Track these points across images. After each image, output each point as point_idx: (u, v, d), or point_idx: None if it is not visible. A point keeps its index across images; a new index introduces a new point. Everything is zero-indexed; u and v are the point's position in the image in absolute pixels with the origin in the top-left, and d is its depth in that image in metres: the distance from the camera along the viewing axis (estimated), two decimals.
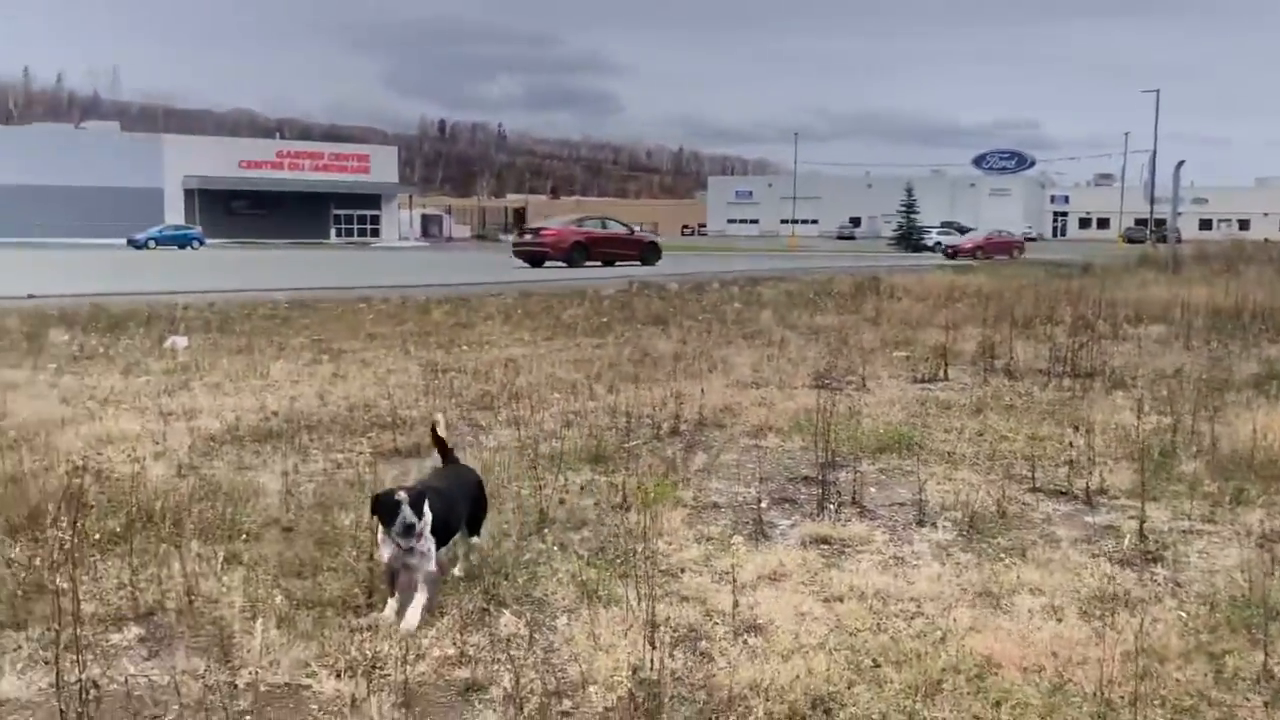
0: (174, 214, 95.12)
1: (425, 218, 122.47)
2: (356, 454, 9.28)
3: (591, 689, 4.78)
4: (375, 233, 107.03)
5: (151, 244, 77.25)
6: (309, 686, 4.91)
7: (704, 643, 5.41)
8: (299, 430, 9.95)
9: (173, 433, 9.78)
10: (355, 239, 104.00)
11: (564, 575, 6.32)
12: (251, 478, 8.32)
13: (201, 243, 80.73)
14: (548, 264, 41.49)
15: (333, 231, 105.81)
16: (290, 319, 20.30)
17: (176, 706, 4.65)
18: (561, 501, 7.77)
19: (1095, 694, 4.63)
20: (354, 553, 6.51)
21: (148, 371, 13.49)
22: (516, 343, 16.91)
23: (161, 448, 9.24)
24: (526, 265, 42.08)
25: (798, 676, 4.86)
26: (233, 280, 32.23)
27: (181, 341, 15.90)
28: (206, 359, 14.46)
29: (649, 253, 44.30)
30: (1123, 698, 4.61)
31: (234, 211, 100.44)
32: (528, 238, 44.70)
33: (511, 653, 5.23)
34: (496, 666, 5.11)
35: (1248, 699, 4.77)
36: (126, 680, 4.83)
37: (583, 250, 41.92)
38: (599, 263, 41.85)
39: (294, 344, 16.30)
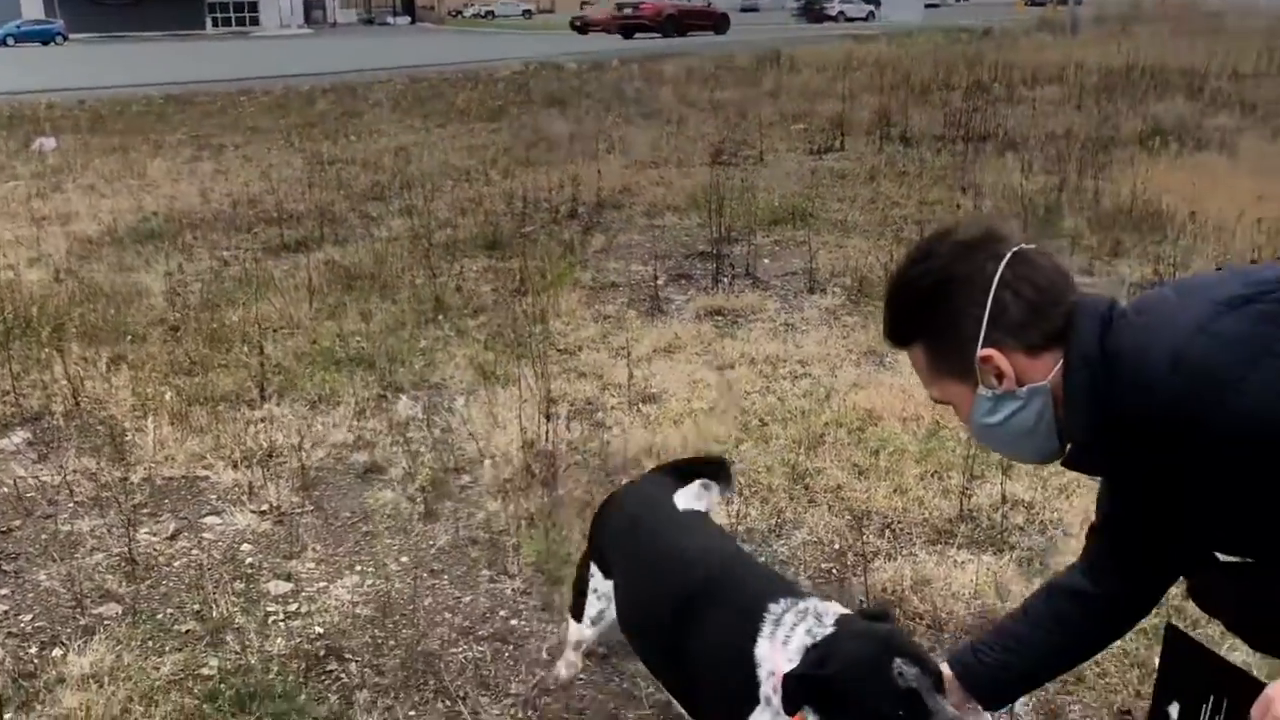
0: (32, 8, 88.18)
1: (308, 2, 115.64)
2: (244, 251, 9.04)
3: (488, 463, 4.89)
4: (254, 20, 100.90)
5: (10, 41, 71.91)
6: (206, 478, 4.93)
7: (600, 414, 5.53)
8: (181, 230, 9.62)
9: (47, 237, 9.39)
10: (233, 28, 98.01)
11: (461, 360, 6.34)
12: (134, 279, 8.08)
13: (65, 38, 75.34)
14: (638, 35, 45.74)
15: (208, 21, 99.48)
16: (166, 115, 19.30)
17: (71, 505, 4.65)
18: (458, 289, 7.73)
19: (967, 438, 4.87)
20: (244, 348, 6.43)
21: (15, 176, 12.80)
22: (407, 130, 16.35)
23: (36, 253, 8.87)
24: (619, 35, 46.53)
25: (688, 438, 5.02)
26: (103, 76, 30.31)
27: (50, 143, 15.05)
28: (78, 160, 13.75)
29: (721, 24, 48.80)
30: None
31: (100, 2, 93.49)
32: (627, 11, 48.61)
33: (409, 435, 5.30)
34: (394, 449, 5.18)
35: None
36: (15, 483, 4.79)
37: (674, 22, 46.59)
38: (682, 34, 45.74)
39: (171, 141, 15.56)
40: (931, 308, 1.90)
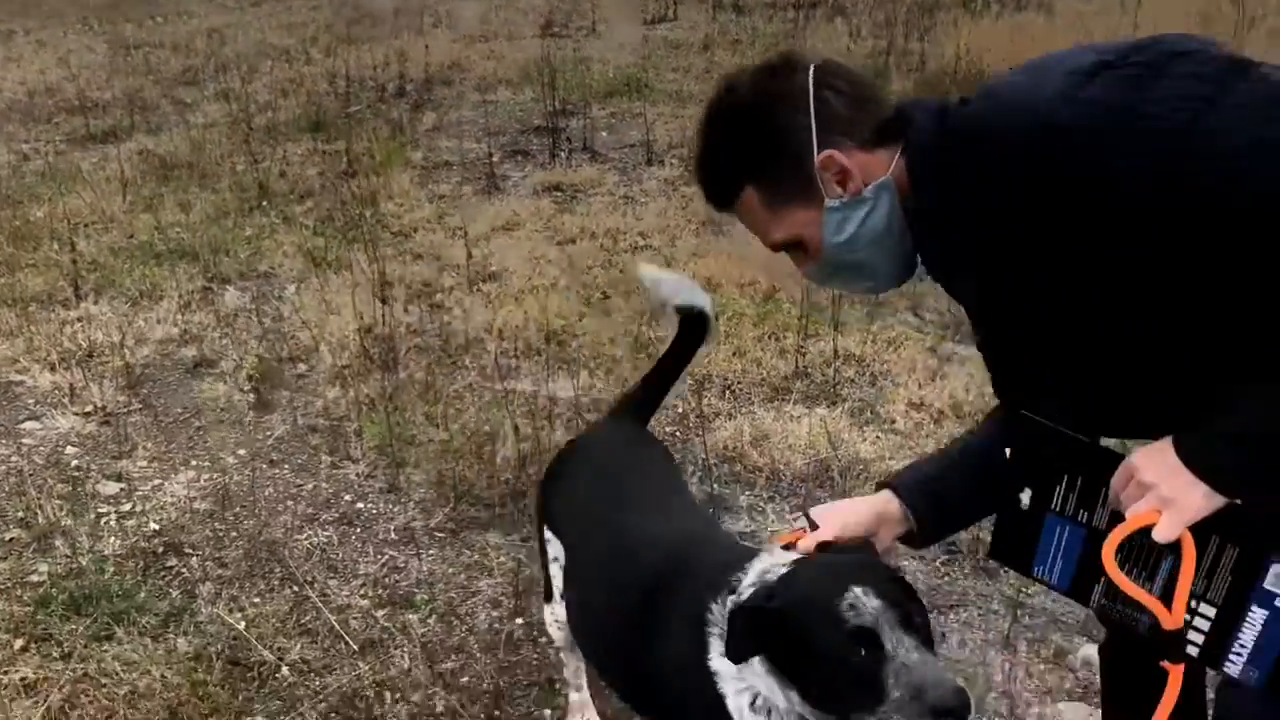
0: None
1: None
2: (45, 143, 8.41)
3: (324, 350, 4.76)
4: None
5: None
6: (21, 382, 4.66)
7: (438, 296, 5.44)
8: None
9: None
10: None
11: (290, 247, 6.11)
12: None
13: None
14: None
15: None
16: None
17: None
18: (282, 174, 7.40)
19: (803, 300, 4.99)
20: (54, 246, 6.04)
21: None
22: (219, 10, 15.33)
23: None
24: None
25: (530, 315, 4.99)
26: None
27: None
28: None
29: None
30: (827, 298, 4.99)
31: None
32: None
33: (238, 327, 5.11)
34: (224, 342, 4.99)
35: None
36: None
37: None
38: None
39: None
40: (753, 135, 1.78)
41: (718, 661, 1.78)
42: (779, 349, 4.73)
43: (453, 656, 3.04)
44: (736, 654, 1.72)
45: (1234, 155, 1.39)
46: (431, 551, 3.50)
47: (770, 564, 1.82)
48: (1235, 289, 1.44)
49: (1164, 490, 1.54)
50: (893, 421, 4.14)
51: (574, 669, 2.73)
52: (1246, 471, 1.52)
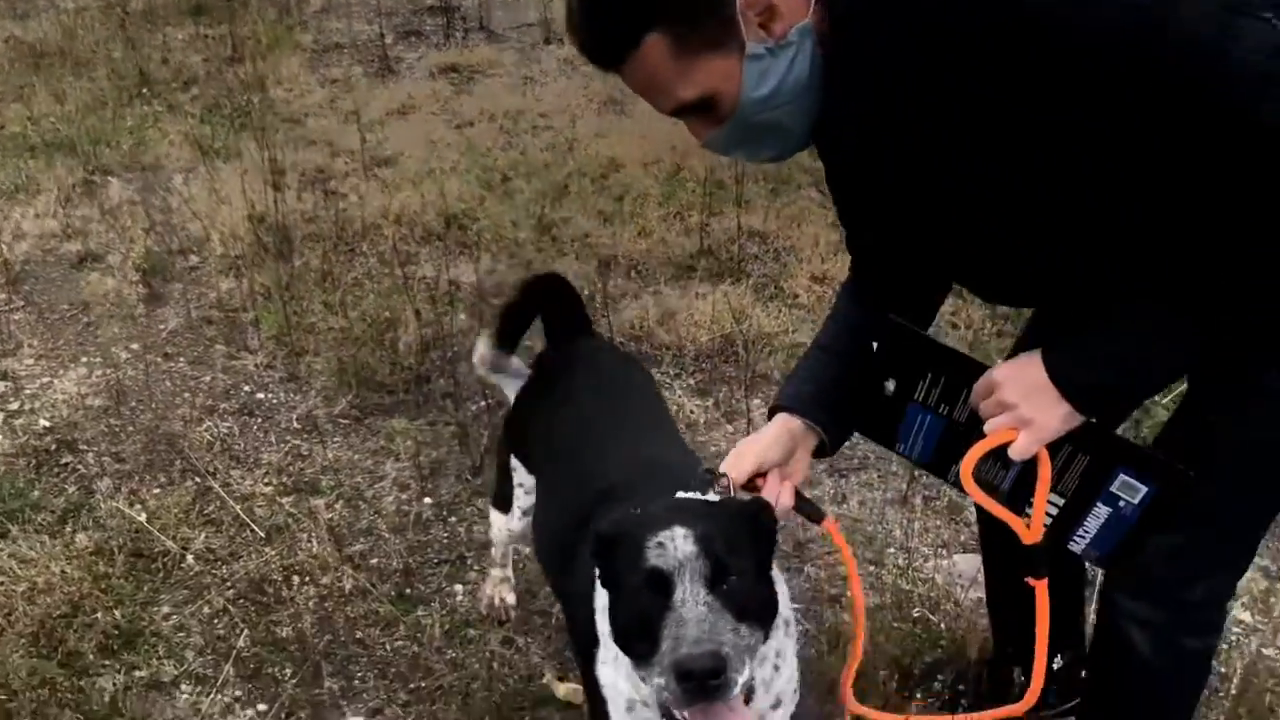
0: None
1: None
2: None
3: (216, 240, 4.61)
4: None
5: None
6: None
7: (333, 182, 5.28)
8: None
9: None
10: None
11: (175, 136, 5.86)
12: None
13: None
14: None
15: None
16: None
17: None
18: (164, 61, 7.04)
19: (705, 178, 4.96)
20: None
21: None
22: None
23: None
24: None
25: (428, 200, 4.88)
26: None
27: None
28: None
29: None
30: (731, 176, 4.97)
31: None
32: None
33: (124, 219, 4.91)
34: (110, 235, 4.80)
35: None
36: None
37: None
38: None
39: None
40: None
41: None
42: (684, 228, 4.72)
43: (361, 539, 3.03)
44: (583, 576, 1.74)
45: (1203, 41, 1.31)
46: (336, 439, 3.46)
47: (677, 497, 1.75)
48: (1180, 172, 1.37)
49: (1024, 410, 1.56)
50: (796, 296, 4.18)
51: (501, 553, 2.73)
52: (1114, 394, 1.55)
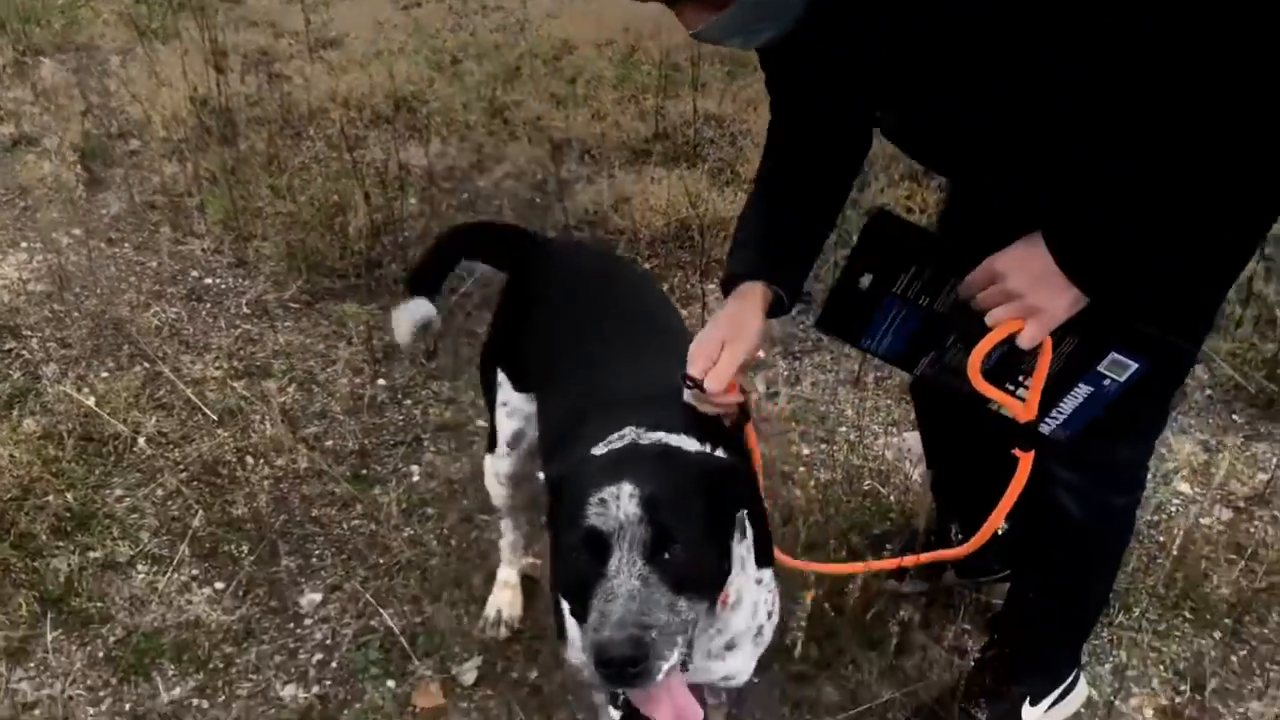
0: None
1: None
2: None
3: (157, 123, 4.47)
4: None
5: None
6: None
7: (277, 65, 5.13)
8: None
9: None
10: None
11: (110, 16, 5.64)
12: None
13: None
14: None
15: None
16: None
17: None
18: None
19: (661, 60, 4.87)
20: None
21: None
22: None
23: None
24: None
25: (376, 83, 4.76)
26: None
27: None
28: None
29: None
30: (687, 59, 4.89)
31: None
32: None
33: (60, 101, 4.75)
34: (46, 118, 4.64)
35: None
36: None
37: None
38: None
39: None
40: None
41: None
42: (638, 111, 4.64)
43: (315, 422, 3.02)
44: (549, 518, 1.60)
45: None
46: (287, 323, 3.42)
47: (639, 432, 1.63)
48: (1178, 44, 1.32)
49: (1031, 299, 1.51)
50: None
51: (510, 541, 2.46)
52: (1121, 279, 1.50)
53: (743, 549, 1.62)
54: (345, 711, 2.28)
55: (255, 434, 2.93)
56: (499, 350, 2.21)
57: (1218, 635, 2.46)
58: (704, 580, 1.45)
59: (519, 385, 2.14)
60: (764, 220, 1.84)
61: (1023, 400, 1.67)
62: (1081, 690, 2.27)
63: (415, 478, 2.86)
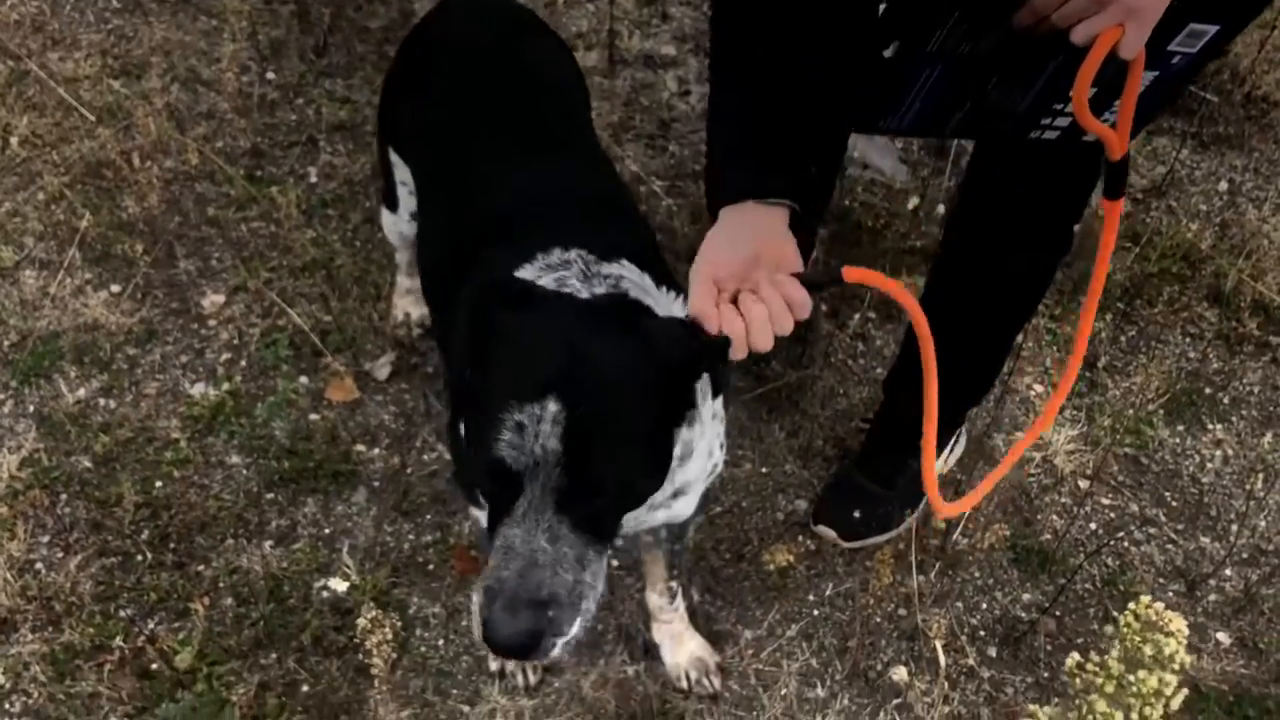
0: None
1: None
2: None
3: None
4: None
5: None
6: None
7: None
8: None
9: None
10: None
11: None
12: None
13: None
14: None
15: None
16: None
17: None
18: None
19: None
20: None
21: None
22: None
23: None
24: None
25: None
26: None
27: None
28: None
29: None
30: None
31: None
32: None
33: None
34: None
35: None
36: None
37: None
38: None
39: None
40: None
41: None
42: None
43: (203, 122, 2.85)
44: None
45: None
46: (163, 19, 3.16)
47: (556, 274, 1.38)
48: None
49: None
50: None
51: (407, 259, 2.29)
52: None
53: (704, 410, 1.40)
54: (258, 405, 2.28)
55: (139, 134, 2.76)
56: (390, 127, 1.98)
57: (1109, 318, 2.57)
58: (633, 507, 1.27)
59: (411, 165, 1.90)
60: (744, 122, 1.46)
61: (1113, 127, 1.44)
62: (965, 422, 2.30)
63: (313, 178, 2.74)
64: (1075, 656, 1.21)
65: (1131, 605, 1.13)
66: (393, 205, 2.12)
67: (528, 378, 1.15)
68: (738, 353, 1.25)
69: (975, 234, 1.91)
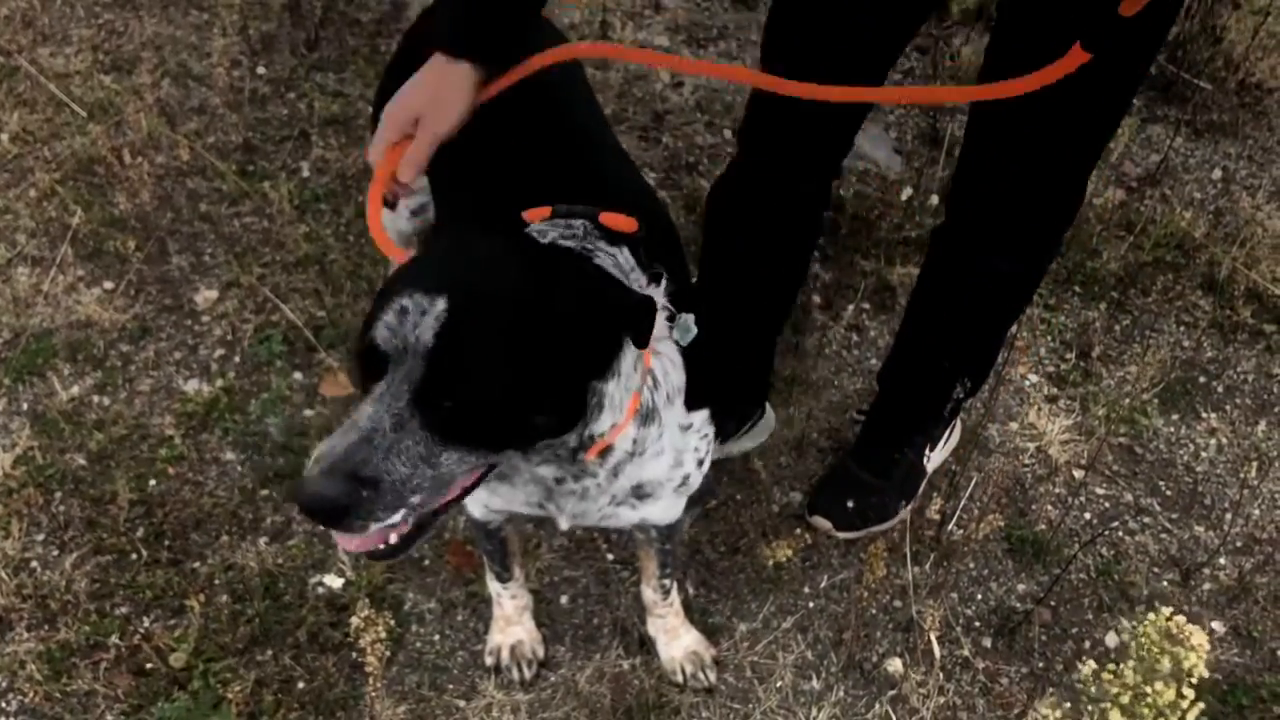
0: None
1: None
2: None
3: None
4: None
5: None
6: None
7: None
8: None
9: None
10: None
11: None
12: None
13: None
14: None
15: None
16: None
17: None
18: None
19: None
20: None
21: None
22: None
23: None
24: None
25: None
26: None
27: None
28: None
29: None
30: None
31: None
32: None
33: None
34: None
35: None
36: None
37: None
38: None
39: None
40: None
41: None
42: None
43: (195, 117, 2.84)
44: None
45: None
46: (153, 13, 3.15)
47: (554, 230, 1.40)
48: None
49: None
50: None
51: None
52: None
53: (658, 396, 1.41)
54: (253, 402, 2.28)
55: (131, 130, 2.75)
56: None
57: (1104, 307, 2.57)
58: (507, 438, 1.22)
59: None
60: None
61: None
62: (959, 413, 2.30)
63: (305, 173, 2.74)
64: (1091, 664, 1.20)
65: (1151, 616, 1.12)
66: (391, 203, 2.06)
67: (433, 272, 1.18)
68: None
69: (964, 242, 1.92)
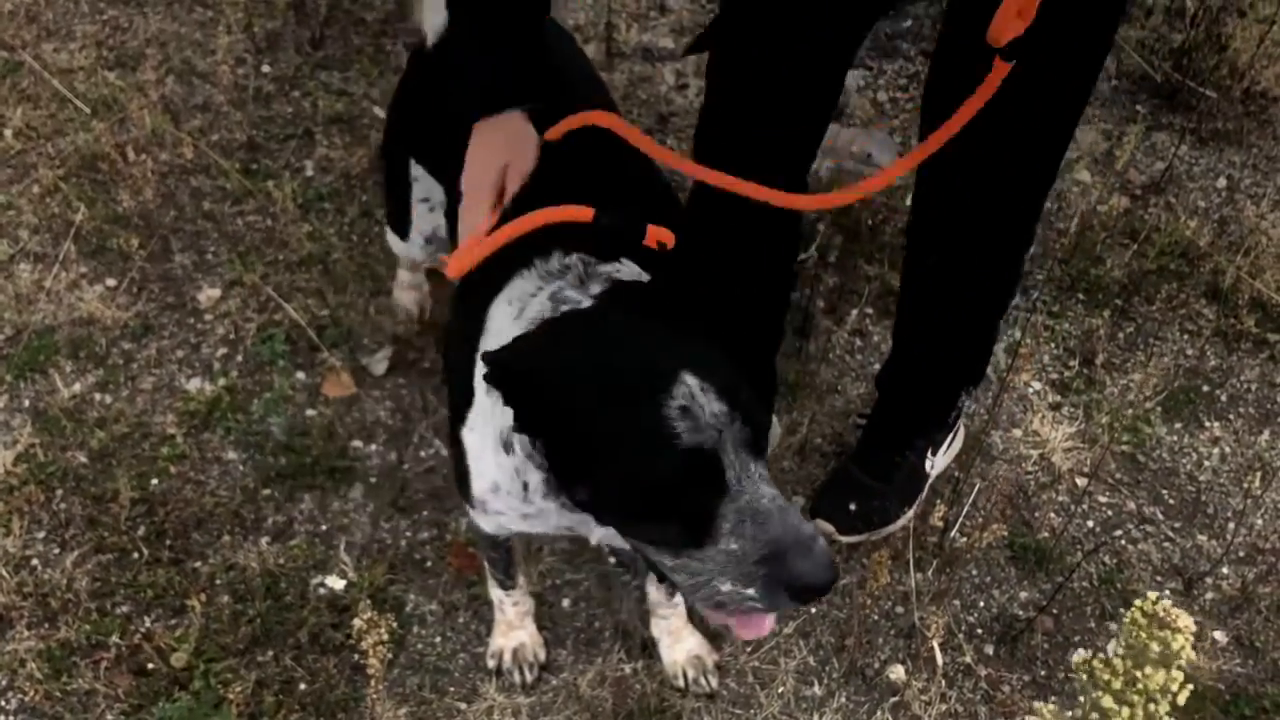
0: None
1: None
2: None
3: None
4: None
5: None
6: None
7: None
8: None
9: None
10: None
11: None
12: None
13: None
14: None
15: None
16: None
17: None
18: None
19: None
20: None
21: None
22: None
23: None
24: None
25: None
26: None
27: None
28: None
29: None
30: None
31: None
32: None
33: None
34: None
35: None
36: None
37: None
38: None
39: None
40: None
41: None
42: None
43: (199, 114, 2.84)
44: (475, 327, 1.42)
45: None
46: (158, 10, 3.14)
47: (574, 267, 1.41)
48: None
49: None
50: None
51: (410, 257, 2.17)
52: None
53: None
54: (255, 401, 2.27)
55: (134, 127, 2.75)
56: (412, 135, 1.90)
57: (1107, 314, 2.56)
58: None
59: (442, 178, 1.81)
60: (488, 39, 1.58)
61: None
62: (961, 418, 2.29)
63: (310, 172, 2.73)
64: (1082, 653, 1.20)
65: (1138, 601, 1.13)
66: (402, 231, 2.07)
67: (642, 374, 1.17)
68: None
69: (935, 238, 1.93)
